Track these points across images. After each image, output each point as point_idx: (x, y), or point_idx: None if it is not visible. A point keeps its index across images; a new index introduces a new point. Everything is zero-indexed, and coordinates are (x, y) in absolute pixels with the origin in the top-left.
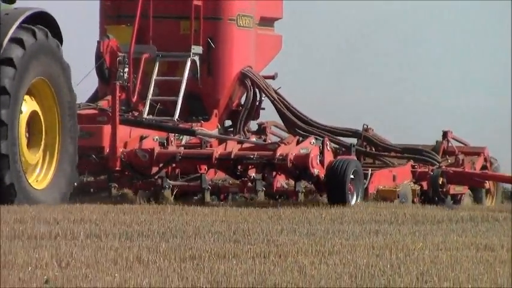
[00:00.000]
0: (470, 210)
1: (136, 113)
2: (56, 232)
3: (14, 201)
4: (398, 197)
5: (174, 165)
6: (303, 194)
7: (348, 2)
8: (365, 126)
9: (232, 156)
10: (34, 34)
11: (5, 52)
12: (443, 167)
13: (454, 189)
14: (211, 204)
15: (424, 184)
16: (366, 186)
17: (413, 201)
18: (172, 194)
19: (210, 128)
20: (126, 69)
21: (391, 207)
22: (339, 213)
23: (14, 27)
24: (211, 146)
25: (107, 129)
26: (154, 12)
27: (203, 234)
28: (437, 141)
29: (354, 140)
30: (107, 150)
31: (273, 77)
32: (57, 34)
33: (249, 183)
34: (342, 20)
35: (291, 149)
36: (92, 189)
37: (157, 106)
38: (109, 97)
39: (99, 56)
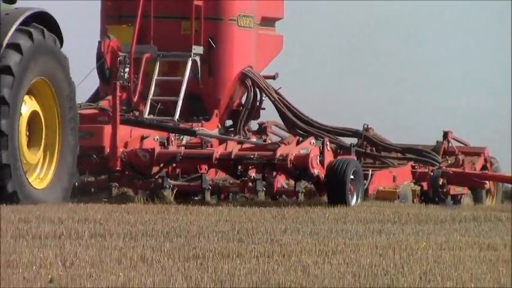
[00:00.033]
0: (473, 210)
1: (137, 113)
2: (60, 231)
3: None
4: (398, 198)
5: (174, 165)
6: (303, 194)
7: (349, 2)
8: (365, 126)
9: (232, 156)
10: (31, 36)
11: (2, 60)
12: (444, 167)
13: (454, 189)
14: (215, 204)
15: (424, 185)
16: (366, 186)
17: (413, 202)
18: (172, 194)
19: (210, 128)
20: (127, 69)
21: (394, 207)
22: (343, 213)
23: (14, 27)
24: (211, 146)
25: (108, 129)
26: (155, 12)
27: (207, 233)
28: (437, 142)
29: (354, 140)
30: (107, 150)
31: (273, 77)
32: (57, 34)
33: (250, 183)
34: (343, 20)
35: (291, 149)
36: (92, 189)
37: (158, 106)
38: (110, 97)
39: (100, 56)
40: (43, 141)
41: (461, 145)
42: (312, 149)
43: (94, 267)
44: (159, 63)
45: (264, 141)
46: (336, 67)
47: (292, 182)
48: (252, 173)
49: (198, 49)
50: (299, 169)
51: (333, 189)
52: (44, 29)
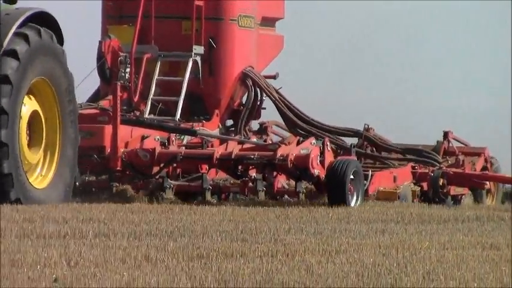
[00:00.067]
0: (475, 210)
1: (137, 113)
2: (64, 231)
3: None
4: (398, 198)
5: (175, 165)
6: (304, 194)
7: (350, 2)
8: (366, 126)
9: (233, 156)
10: (27, 39)
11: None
12: (444, 167)
13: (455, 190)
14: (218, 204)
15: (425, 185)
16: (366, 187)
17: (412, 202)
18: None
19: (211, 128)
20: (128, 69)
21: (397, 207)
22: (346, 213)
23: (15, 27)
24: (212, 146)
25: (108, 129)
26: (156, 12)
27: (211, 233)
28: (437, 142)
29: (355, 140)
30: (108, 150)
31: (274, 77)
32: (58, 34)
33: (250, 184)
34: (344, 20)
35: (291, 150)
36: (93, 189)
37: (159, 106)
38: (110, 97)
39: (100, 56)
40: (44, 140)
41: (462, 145)
42: (312, 149)
43: (98, 267)
44: (160, 63)
45: (265, 141)
46: (337, 67)
47: (292, 182)
48: (253, 173)
49: (198, 49)
50: (299, 169)
51: (333, 189)
52: (41, 28)
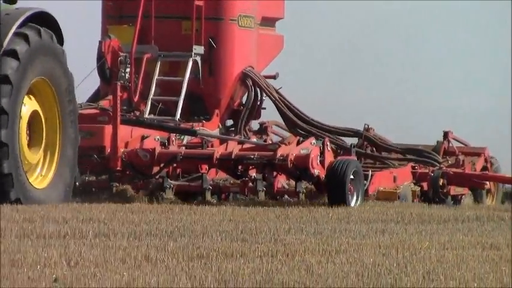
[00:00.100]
0: (476, 210)
1: (137, 113)
2: (64, 231)
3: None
4: (398, 199)
5: (175, 165)
6: (304, 194)
7: (350, 2)
8: (366, 126)
9: (232, 156)
10: (27, 39)
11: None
12: (444, 168)
13: (455, 190)
14: (218, 204)
15: (425, 185)
16: (366, 187)
17: (412, 202)
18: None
19: (211, 128)
20: (128, 69)
21: (397, 207)
22: (346, 213)
23: (15, 27)
24: (212, 146)
25: (108, 129)
26: (156, 12)
27: (211, 233)
28: (438, 142)
29: (355, 140)
30: (108, 150)
31: (274, 77)
32: (58, 34)
33: (250, 184)
34: (344, 20)
35: (291, 150)
36: (93, 189)
37: (159, 106)
38: (110, 97)
39: (100, 56)
40: (43, 141)
41: (462, 145)
42: (312, 149)
43: (98, 267)
44: (160, 63)
45: (265, 141)
46: (337, 67)
47: (292, 182)
48: (253, 173)
49: (198, 49)
50: (299, 169)
51: (333, 189)
52: (41, 28)
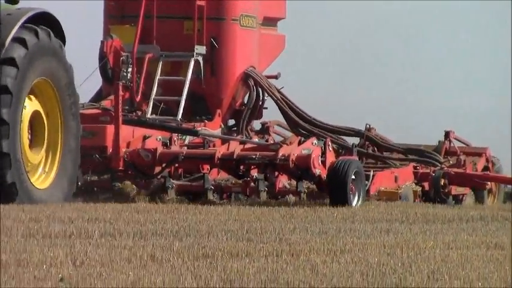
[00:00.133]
0: (480, 210)
1: (139, 113)
2: (70, 231)
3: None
4: (400, 199)
5: (177, 165)
6: (305, 194)
7: (351, 2)
8: (368, 126)
9: (234, 156)
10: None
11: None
12: (445, 168)
13: (456, 190)
14: (223, 204)
15: (426, 185)
16: (367, 187)
17: (414, 202)
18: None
19: (213, 128)
20: (130, 69)
21: (402, 207)
22: (351, 212)
23: (17, 27)
24: (214, 146)
25: (110, 128)
26: (157, 12)
27: (216, 232)
28: (439, 141)
29: (356, 140)
30: (110, 149)
31: (276, 77)
32: (60, 35)
33: (252, 184)
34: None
35: (293, 150)
36: (95, 189)
37: (161, 106)
38: (112, 97)
39: (102, 56)
40: (45, 141)
41: (463, 145)
42: (314, 149)
43: (104, 267)
44: (162, 63)
45: (267, 141)
46: (338, 67)
47: (294, 182)
48: (254, 173)
49: (200, 49)
50: (301, 169)
51: (334, 189)
52: (37, 28)
